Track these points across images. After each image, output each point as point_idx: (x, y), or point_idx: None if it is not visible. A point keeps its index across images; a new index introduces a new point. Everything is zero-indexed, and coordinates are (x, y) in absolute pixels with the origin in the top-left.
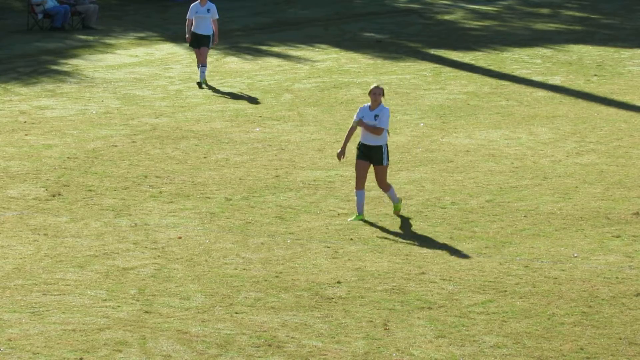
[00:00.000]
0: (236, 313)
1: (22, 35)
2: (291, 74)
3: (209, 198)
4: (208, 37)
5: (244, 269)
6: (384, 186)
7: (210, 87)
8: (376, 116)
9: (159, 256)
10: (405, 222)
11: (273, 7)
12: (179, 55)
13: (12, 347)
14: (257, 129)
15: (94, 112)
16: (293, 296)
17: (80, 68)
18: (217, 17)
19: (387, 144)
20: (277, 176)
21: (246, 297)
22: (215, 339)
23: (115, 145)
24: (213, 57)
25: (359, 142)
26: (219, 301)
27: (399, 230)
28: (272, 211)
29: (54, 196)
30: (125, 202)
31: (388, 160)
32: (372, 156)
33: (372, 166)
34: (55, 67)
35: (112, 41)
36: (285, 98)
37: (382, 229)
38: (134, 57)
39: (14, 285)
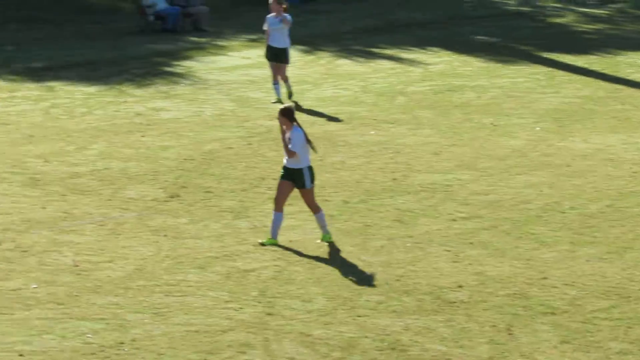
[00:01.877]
0: (358, 316)
1: (134, 37)
2: (404, 76)
3: (326, 201)
4: (284, 50)
5: (365, 272)
6: (312, 208)
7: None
8: (289, 139)
9: (279, 258)
10: (524, 227)
11: (383, 10)
12: (291, 57)
13: (137, 347)
14: (372, 132)
15: (208, 113)
16: (415, 300)
17: (193, 70)
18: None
19: (309, 167)
20: (394, 179)
21: (367, 300)
22: (338, 342)
23: (231, 147)
24: (325, 59)
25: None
26: (340, 304)
27: (518, 235)
28: (391, 214)
29: (172, 197)
30: (244, 204)
31: (312, 182)
32: (295, 179)
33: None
34: (168, 69)
35: (224, 43)
36: (399, 101)
37: (502, 233)
38: (246, 59)
39: (137, 286)
